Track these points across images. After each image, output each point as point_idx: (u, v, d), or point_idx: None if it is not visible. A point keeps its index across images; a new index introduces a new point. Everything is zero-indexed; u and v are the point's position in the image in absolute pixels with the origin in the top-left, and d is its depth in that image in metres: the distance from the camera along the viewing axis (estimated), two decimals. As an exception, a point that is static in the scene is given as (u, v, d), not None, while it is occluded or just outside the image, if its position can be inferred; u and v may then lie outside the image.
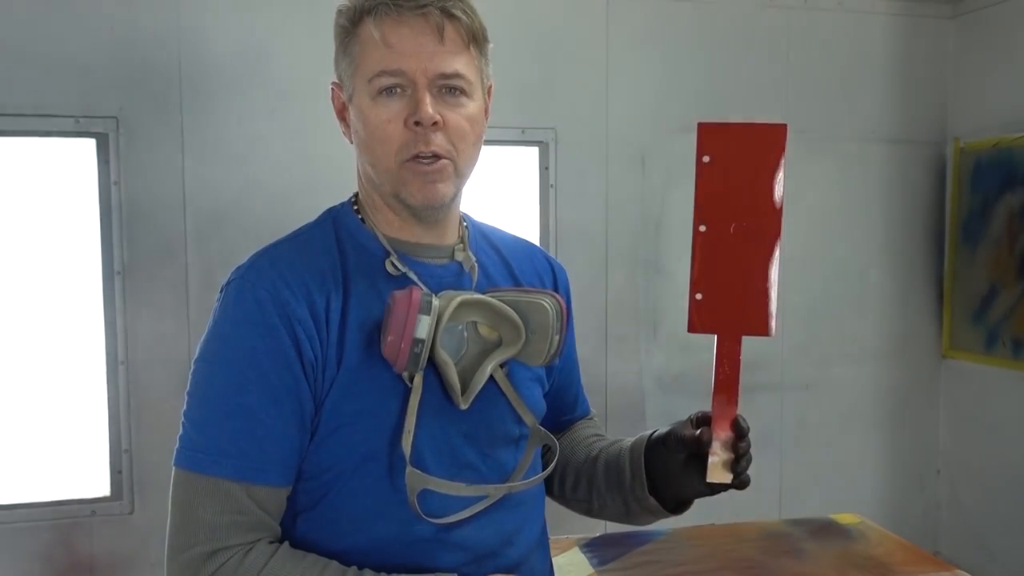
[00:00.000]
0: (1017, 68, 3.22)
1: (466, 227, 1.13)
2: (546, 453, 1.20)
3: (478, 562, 1.03)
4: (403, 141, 0.98)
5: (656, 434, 1.09)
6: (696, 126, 0.97)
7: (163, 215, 2.79)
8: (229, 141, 2.84)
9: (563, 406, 1.26)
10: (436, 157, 0.99)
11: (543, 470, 1.15)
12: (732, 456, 0.99)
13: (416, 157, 0.98)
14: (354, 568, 0.95)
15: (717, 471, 0.99)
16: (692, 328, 1.01)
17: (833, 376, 3.47)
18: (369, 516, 0.99)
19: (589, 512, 1.21)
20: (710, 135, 0.97)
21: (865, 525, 1.68)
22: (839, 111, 3.42)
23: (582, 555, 1.78)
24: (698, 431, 1.01)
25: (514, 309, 1.04)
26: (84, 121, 2.71)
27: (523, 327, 1.04)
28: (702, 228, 0.98)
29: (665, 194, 3.25)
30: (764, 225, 0.97)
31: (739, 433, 0.99)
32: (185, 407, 0.98)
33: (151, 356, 2.78)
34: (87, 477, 2.81)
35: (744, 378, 3.26)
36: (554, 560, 1.76)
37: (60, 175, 2.77)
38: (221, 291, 1.01)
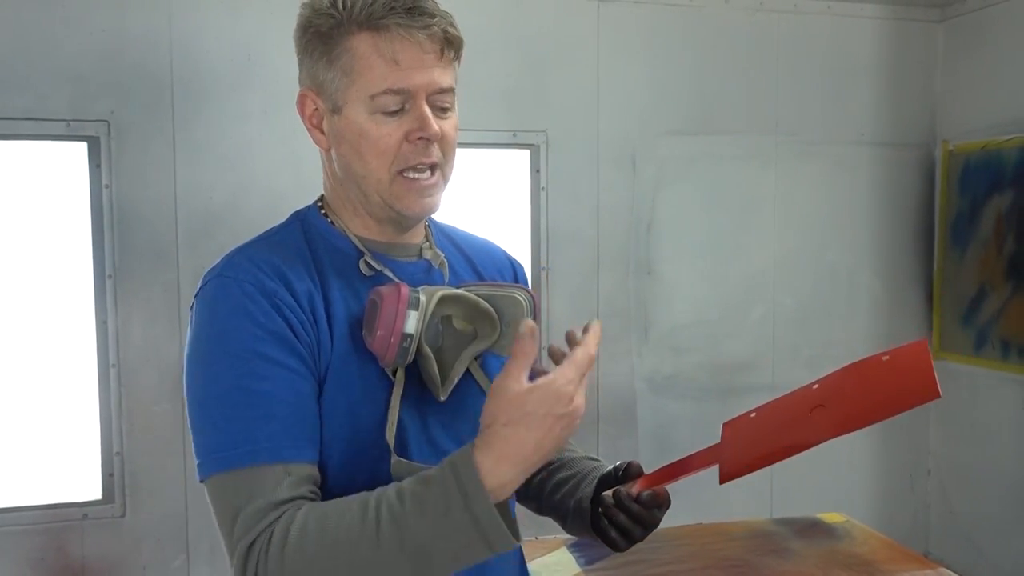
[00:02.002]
0: (1005, 71, 3.24)
1: (428, 226, 1.16)
2: None
3: None
4: (401, 154, 1.00)
5: (618, 465, 1.13)
6: (920, 340, 0.95)
7: (155, 218, 2.80)
8: (220, 144, 2.84)
9: None
10: (431, 168, 1.02)
11: None
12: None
13: (410, 168, 1.01)
14: (370, 492, 0.92)
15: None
16: (727, 423, 1.03)
17: (823, 377, 3.48)
18: None
19: (539, 510, 1.25)
20: (914, 352, 0.94)
21: (851, 524, 1.69)
22: (828, 114, 3.44)
23: (569, 554, 1.79)
24: (625, 467, 1.06)
25: (489, 303, 1.07)
26: (75, 124, 2.71)
27: (498, 320, 1.06)
28: (815, 387, 0.98)
29: (656, 196, 3.27)
30: (835, 424, 0.95)
31: (637, 497, 1.02)
32: (195, 417, 0.96)
33: (143, 359, 2.78)
34: (79, 480, 2.81)
35: (735, 379, 3.31)
36: (542, 559, 1.77)
37: (51, 179, 2.77)
38: (196, 297, 1.01)
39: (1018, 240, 3.18)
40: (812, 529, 1.66)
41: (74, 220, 2.77)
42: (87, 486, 2.81)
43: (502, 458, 0.86)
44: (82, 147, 2.76)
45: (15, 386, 2.79)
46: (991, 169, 3.30)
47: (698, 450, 1.02)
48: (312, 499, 0.94)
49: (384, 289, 0.98)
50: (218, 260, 1.03)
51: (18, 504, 2.75)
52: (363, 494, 0.91)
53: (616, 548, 1.07)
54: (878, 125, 3.50)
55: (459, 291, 1.06)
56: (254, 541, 0.89)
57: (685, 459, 1.02)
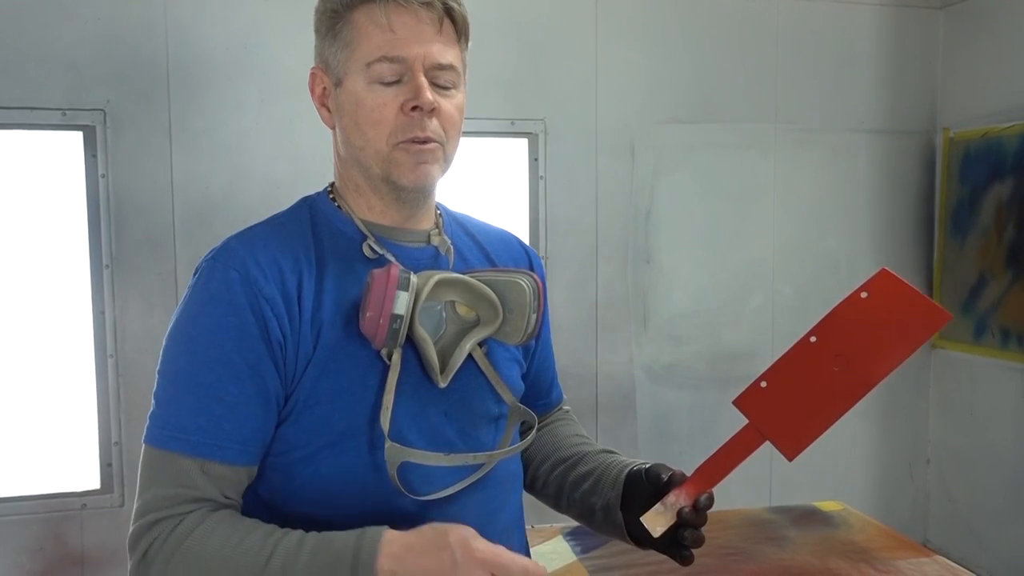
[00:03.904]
0: (1005, 58, 3.22)
1: (440, 215, 1.14)
2: (524, 431, 1.21)
3: None
4: (398, 125, 1.00)
5: (641, 464, 1.10)
6: (880, 269, 0.97)
7: (151, 207, 2.79)
8: (217, 133, 2.83)
9: (540, 390, 1.27)
10: (427, 140, 1.01)
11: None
12: (674, 520, 1.00)
13: (410, 140, 1.00)
14: (281, 529, 0.94)
15: (653, 518, 1.00)
16: (737, 401, 1.02)
17: (823, 366, 3.48)
18: (349, 493, 0.99)
19: (557, 507, 1.23)
20: (884, 281, 0.96)
21: (847, 512, 1.69)
22: (828, 102, 3.42)
23: (565, 543, 1.78)
24: (668, 477, 1.03)
25: (491, 288, 1.05)
26: (71, 114, 2.70)
27: (500, 305, 1.05)
28: (812, 339, 0.98)
29: (655, 185, 3.26)
30: (863, 380, 0.98)
31: (695, 506, 1.00)
32: (155, 386, 1.00)
33: (140, 349, 2.78)
34: (77, 470, 2.82)
35: (736, 368, 3.28)
36: (538, 548, 1.77)
37: (47, 169, 2.76)
38: (195, 273, 1.02)
39: (1018, 228, 3.17)
40: (808, 517, 1.66)
41: (70, 210, 2.76)
42: (86, 476, 2.81)
43: (406, 553, 0.89)
44: (78, 136, 2.75)
45: (13, 377, 2.79)
46: (992, 157, 3.29)
47: (731, 438, 1.01)
48: (227, 503, 0.97)
49: (375, 271, 0.98)
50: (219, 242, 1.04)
51: (17, 494, 2.75)
52: (273, 528, 0.94)
53: (688, 562, 1.03)
54: (878, 112, 3.48)
55: (459, 275, 1.05)
56: (158, 522, 0.93)
57: (726, 450, 1.01)
